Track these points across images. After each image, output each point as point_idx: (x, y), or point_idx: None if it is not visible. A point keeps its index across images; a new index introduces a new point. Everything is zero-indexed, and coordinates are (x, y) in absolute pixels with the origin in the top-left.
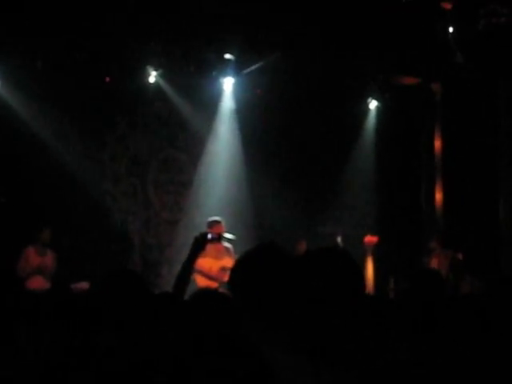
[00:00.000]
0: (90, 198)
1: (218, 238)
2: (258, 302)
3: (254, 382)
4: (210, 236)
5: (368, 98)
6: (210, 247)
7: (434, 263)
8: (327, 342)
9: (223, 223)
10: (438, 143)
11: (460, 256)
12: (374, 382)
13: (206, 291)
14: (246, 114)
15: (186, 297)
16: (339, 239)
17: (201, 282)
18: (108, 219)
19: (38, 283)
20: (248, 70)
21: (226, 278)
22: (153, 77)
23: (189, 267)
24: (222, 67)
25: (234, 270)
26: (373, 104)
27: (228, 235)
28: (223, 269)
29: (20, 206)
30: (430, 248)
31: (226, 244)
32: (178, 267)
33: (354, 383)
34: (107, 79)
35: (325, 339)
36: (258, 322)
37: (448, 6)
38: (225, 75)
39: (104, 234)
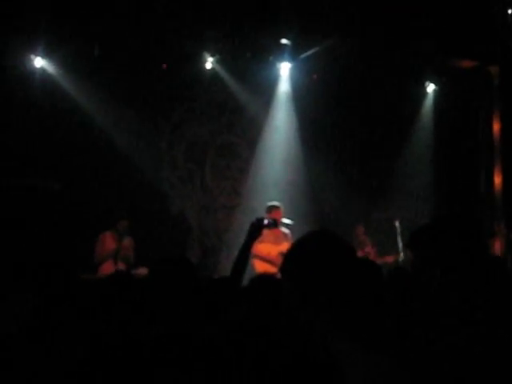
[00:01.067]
0: (148, 185)
1: (274, 223)
2: (309, 288)
3: (316, 371)
4: (266, 221)
5: (425, 81)
6: (268, 232)
7: (497, 246)
8: (383, 331)
9: (282, 208)
10: (496, 126)
11: None
12: (424, 371)
13: (263, 276)
14: (302, 98)
15: (244, 282)
16: (397, 224)
17: (259, 267)
18: (166, 205)
19: (110, 269)
20: (304, 54)
21: None
22: (209, 63)
23: (245, 253)
24: (279, 52)
25: (287, 257)
26: (430, 87)
27: (286, 220)
28: (281, 254)
29: (77, 194)
30: (496, 230)
31: (284, 229)
32: (236, 252)
33: (405, 373)
34: (164, 66)
35: (381, 328)
36: (311, 309)
37: None
38: (281, 60)
39: (162, 220)
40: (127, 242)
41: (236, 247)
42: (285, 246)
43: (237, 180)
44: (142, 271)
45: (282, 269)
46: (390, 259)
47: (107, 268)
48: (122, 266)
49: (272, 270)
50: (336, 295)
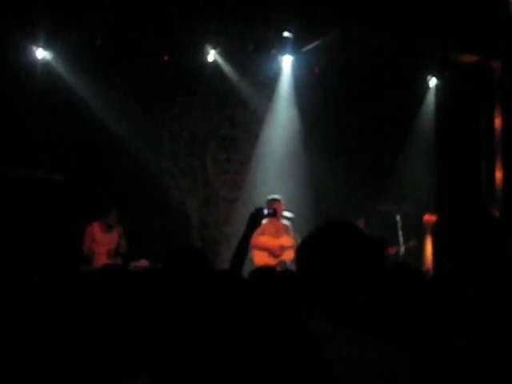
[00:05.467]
0: (149, 177)
1: (274, 212)
2: (323, 278)
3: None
4: (265, 211)
5: (427, 75)
6: (268, 225)
7: None
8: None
9: (282, 201)
10: (498, 121)
11: None
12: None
13: (263, 269)
14: (304, 92)
15: (244, 275)
16: (398, 218)
17: (259, 259)
18: (167, 198)
19: (103, 261)
20: (306, 48)
21: (284, 257)
22: (211, 55)
23: (245, 243)
24: (281, 45)
25: (302, 246)
26: (432, 82)
27: (287, 213)
28: (281, 247)
29: (79, 184)
30: None
31: (285, 222)
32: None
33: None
34: (166, 57)
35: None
36: (316, 299)
37: None
38: (283, 53)
39: (163, 213)
40: (117, 233)
41: (236, 240)
42: (285, 239)
43: (238, 173)
44: (143, 263)
45: (296, 258)
46: (391, 251)
47: (101, 261)
48: (118, 261)
49: (272, 262)
50: (348, 286)
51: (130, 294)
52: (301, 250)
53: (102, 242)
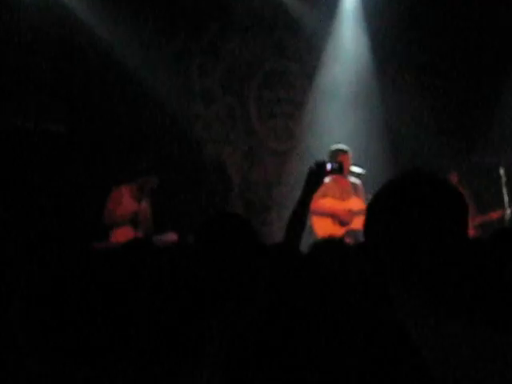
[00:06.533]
0: (176, 125)
1: (340, 167)
2: (400, 248)
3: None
4: (329, 166)
5: None
6: (332, 185)
7: None
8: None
9: (350, 153)
10: None
11: None
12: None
13: (328, 240)
14: (373, 12)
15: (303, 248)
16: (502, 171)
17: (321, 229)
18: (199, 151)
19: (128, 235)
20: None
21: (353, 224)
22: None
23: (303, 209)
24: None
25: (370, 209)
26: None
27: (356, 169)
28: (350, 212)
29: (88, 137)
30: None
31: (354, 179)
32: (290, 210)
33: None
34: None
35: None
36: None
37: None
38: None
39: (195, 171)
40: (145, 203)
41: (290, 204)
42: (354, 202)
43: (290, 117)
44: (171, 237)
45: (364, 225)
46: (494, 216)
47: (124, 233)
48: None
49: (338, 231)
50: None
51: (155, 275)
52: (370, 210)
53: (128, 210)
